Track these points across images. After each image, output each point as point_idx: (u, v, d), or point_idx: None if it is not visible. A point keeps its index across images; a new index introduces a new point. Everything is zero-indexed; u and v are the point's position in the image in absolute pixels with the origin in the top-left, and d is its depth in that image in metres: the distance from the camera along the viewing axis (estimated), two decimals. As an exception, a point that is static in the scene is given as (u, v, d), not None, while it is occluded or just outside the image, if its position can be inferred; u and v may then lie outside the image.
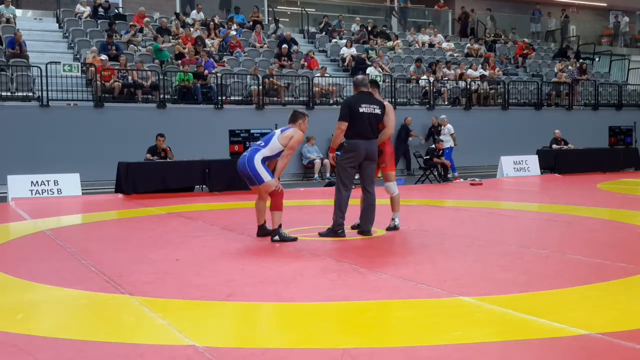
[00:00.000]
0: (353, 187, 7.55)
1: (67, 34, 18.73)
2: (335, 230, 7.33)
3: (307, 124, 7.37)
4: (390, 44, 22.89)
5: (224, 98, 16.85)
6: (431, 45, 23.98)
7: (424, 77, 20.07)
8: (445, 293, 4.75)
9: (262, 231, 7.42)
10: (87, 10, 19.42)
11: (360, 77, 7.68)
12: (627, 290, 4.90)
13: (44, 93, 14.95)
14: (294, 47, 20.16)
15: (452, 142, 17.08)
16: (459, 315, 4.24)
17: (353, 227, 7.66)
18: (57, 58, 16.26)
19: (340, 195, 7.34)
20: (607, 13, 31.91)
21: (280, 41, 20.35)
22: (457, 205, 11.05)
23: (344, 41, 21.54)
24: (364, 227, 7.47)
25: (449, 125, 17.42)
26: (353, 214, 7.56)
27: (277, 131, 7.33)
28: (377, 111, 7.39)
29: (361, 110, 7.26)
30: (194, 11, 21.02)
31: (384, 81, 19.28)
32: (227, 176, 13.05)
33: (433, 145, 16.11)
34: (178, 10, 22.16)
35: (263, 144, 7.20)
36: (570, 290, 4.86)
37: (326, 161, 16.50)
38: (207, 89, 16.80)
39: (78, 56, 17.30)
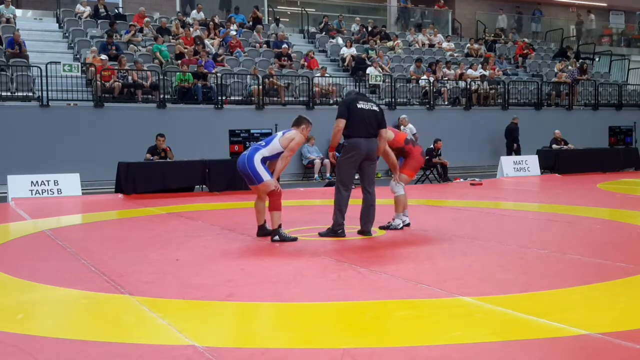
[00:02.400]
0: (353, 187, 7.56)
1: (67, 34, 18.73)
2: (335, 231, 7.33)
3: (309, 131, 7.43)
4: (390, 44, 22.89)
5: (224, 98, 16.85)
6: (431, 45, 23.98)
7: (424, 77, 20.07)
8: (445, 293, 4.75)
9: (262, 231, 7.43)
10: (87, 10, 19.42)
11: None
12: (627, 290, 4.90)
13: (44, 93, 14.95)
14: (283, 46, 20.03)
15: None
16: (459, 315, 4.24)
17: (359, 232, 7.60)
18: (57, 58, 16.26)
19: (340, 195, 7.33)
20: (607, 13, 31.90)
21: (274, 42, 20.34)
22: (457, 205, 11.05)
23: (344, 41, 21.54)
24: (364, 227, 7.47)
25: (410, 125, 17.19)
26: (353, 214, 7.56)
27: (279, 133, 7.36)
28: (375, 108, 7.41)
29: (359, 106, 7.29)
30: (194, 11, 21.01)
31: (384, 81, 19.29)
32: (227, 176, 13.05)
33: (432, 146, 16.10)
34: (178, 10, 22.16)
35: (264, 143, 7.23)
36: (570, 290, 4.86)
37: (326, 161, 16.51)
38: (207, 89, 16.80)
39: (78, 56, 17.30)
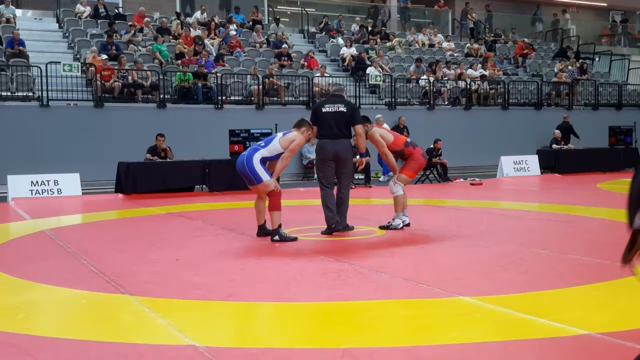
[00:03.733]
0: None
1: (67, 34, 18.73)
2: (330, 225, 7.46)
3: (309, 133, 7.50)
4: (390, 44, 22.89)
5: (224, 98, 16.84)
6: (431, 45, 23.98)
7: (424, 77, 20.07)
8: (445, 293, 4.75)
9: (262, 231, 7.43)
10: (87, 10, 19.42)
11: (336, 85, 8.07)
12: (627, 290, 4.89)
13: (44, 93, 14.94)
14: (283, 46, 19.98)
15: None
16: (459, 315, 4.24)
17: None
18: (57, 58, 16.25)
19: (323, 193, 7.55)
20: (607, 13, 31.88)
21: (274, 42, 20.33)
22: (457, 205, 11.05)
23: (344, 41, 21.53)
24: (341, 222, 7.61)
25: (385, 125, 16.96)
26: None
27: (279, 134, 7.43)
28: (342, 109, 7.59)
29: (324, 110, 7.54)
30: (198, 12, 20.95)
31: (384, 81, 19.28)
32: (227, 176, 13.05)
33: (432, 146, 16.09)
34: (178, 10, 22.14)
35: (263, 144, 7.25)
36: (570, 290, 4.86)
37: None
38: (207, 89, 16.80)
39: (78, 56, 17.29)
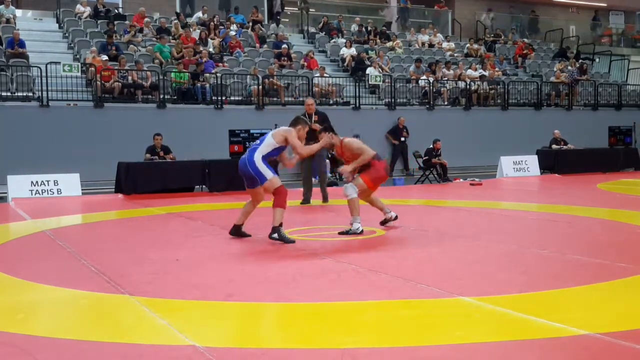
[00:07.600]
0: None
1: (67, 34, 18.72)
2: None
3: (305, 131, 7.48)
4: (390, 44, 22.88)
5: (223, 98, 16.84)
6: (431, 45, 23.97)
7: (424, 77, 20.07)
8: (445, 293, 4.75)
9: (237, 230, 7.40)
10: (87, 10, 19.41)
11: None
12: (627, 290, 4.90)
13: (44, 93, 14.94)
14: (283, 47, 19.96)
15: None
16: (459, 315, 4.24)
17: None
18: (57, 58, 16.25)
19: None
20: (607, 13, 31.87)
21: (274, 42, 20.33)
22: (457, 205, 11.05)
23: (344, 41, 21.52)
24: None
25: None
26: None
27: (272, 130, 7.46)
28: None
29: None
30: (199, 12, 20.93)
31: (383, 81, 19.28)
32: (227, 176, 13.06)
33: (431, 146, 16.10)
34: (178, 10, 22.13)
35: (259, 142, 7.27)
36: (570, 290, 4.86)
37: (326, 161, 16.52)
38: (203, 89, 16.78)
39: (78, 56, 17.29)
